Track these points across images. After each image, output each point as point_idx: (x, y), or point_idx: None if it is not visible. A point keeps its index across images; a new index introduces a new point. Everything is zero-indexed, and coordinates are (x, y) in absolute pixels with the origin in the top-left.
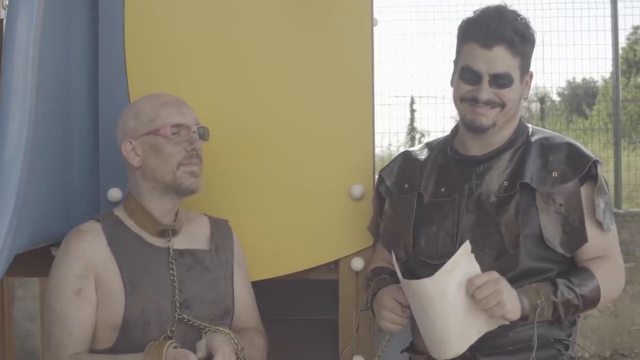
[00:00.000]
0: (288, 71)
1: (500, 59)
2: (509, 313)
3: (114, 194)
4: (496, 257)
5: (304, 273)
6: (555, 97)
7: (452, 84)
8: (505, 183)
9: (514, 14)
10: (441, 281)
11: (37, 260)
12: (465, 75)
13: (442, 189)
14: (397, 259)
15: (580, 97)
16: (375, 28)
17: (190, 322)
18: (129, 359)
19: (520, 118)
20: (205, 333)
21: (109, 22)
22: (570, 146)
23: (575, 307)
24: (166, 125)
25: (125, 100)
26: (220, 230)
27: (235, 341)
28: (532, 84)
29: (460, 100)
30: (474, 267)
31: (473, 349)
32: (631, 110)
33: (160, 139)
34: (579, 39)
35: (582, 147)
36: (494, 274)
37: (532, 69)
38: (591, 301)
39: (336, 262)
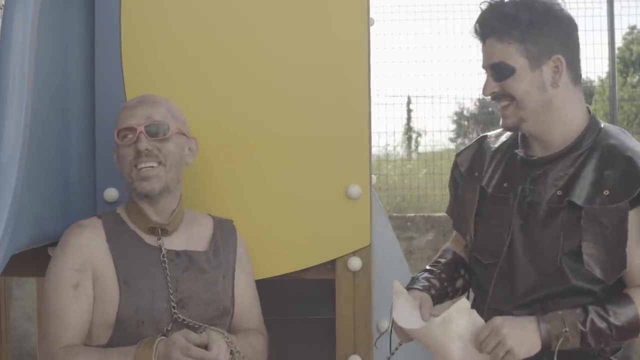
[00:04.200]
0: (285, 71)
1: (492, 50)
2: (522, 356)
3: (111, 193)
4: (536, 270)
5: (301, 273)
6: None
7: None
8: (559, 192)
9: (503, 3)
10: (429, 332)
11: (34, 260)
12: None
13: (505, 184)
14: (466, 246)
15: None
16: (371, 27)
17: (186, 322)
18: (120, 352)
19: (592, 115)
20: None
21: (106, 22)
22: (630, 162)
23: (608, 336)
24: (116, 132)
25: (121, 101)
26: (223, 230)
27: (229, 340)
28: None
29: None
30: (478, 321)
31: None
32: (628, 110)
33: (117, 144)
34: None
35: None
36: (496, 322)
37: None
38: (629, 331)
39: (333, 262)
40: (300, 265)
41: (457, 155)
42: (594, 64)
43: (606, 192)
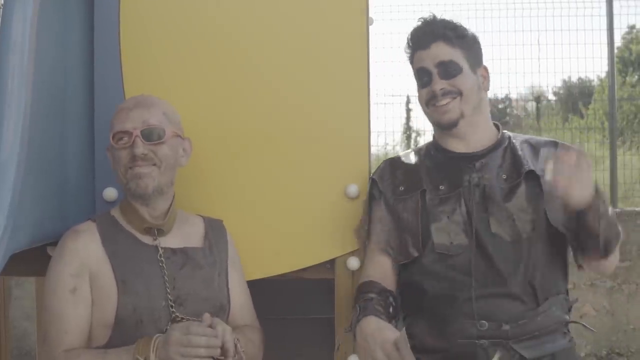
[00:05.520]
0: (284, 70)
1: (440, 51)
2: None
3: (110, 193)
4: (512, 242)
5: (300, 272)
6: (551, 97)
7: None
8: (504, 176)
9: (443, 19)
10: None
11: (34, 259)
12: (419, 78)
13: (441, 187)
14: (408, 257)
15: (575, 96)
16: (371, 27)
17: (184, 320)
18: (120, 352)
19: (498, 127)
20: None
21: (105, 21)
22: (556, 142)
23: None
24: (112, 134)
25: (120, 100)
26: (214, 229)
27: (230, 329)
28: (528, 83)
29: (426, 105)
30: None
31: (505, 337)
32: (627, 110)
33: (112, 146)
34: (575, 38)
35: (565, 142)
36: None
37: (527, 68)
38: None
39: (332, 262)
40: (299, 264)
41: (373, 174)
42: (593, 63)
43: None
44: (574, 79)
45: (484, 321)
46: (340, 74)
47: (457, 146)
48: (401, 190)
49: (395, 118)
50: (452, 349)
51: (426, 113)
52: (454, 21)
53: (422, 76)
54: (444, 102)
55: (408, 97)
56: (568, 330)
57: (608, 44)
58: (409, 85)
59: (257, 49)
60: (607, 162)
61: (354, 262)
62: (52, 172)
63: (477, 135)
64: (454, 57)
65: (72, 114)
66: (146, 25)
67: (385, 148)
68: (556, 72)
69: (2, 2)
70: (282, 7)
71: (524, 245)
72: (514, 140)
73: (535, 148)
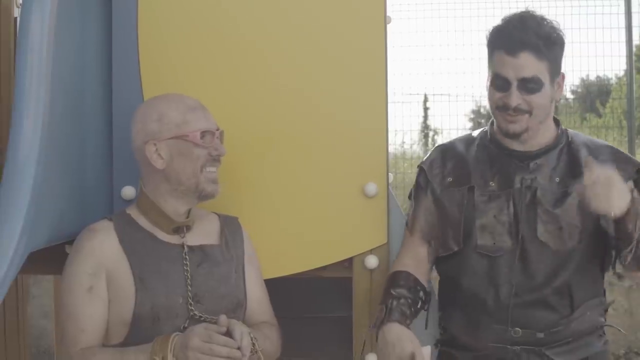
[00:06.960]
0: (302, 69)
1: (527, 64)
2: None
3: (128, 192)
4: (556, 250)
5: (318, 271)
6: (569, 95)
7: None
8: (557, 179)
9: (539, 20)
10: None
11: (52, 258)
12: (496, 82)
13: (492, 183)
14: (448, 250)
15: (593, 95)
16: (388, 26)
17: (203, 318)
18: (137, 349)
19: (558, 122)
20: None
21: (123, 21)
22: (613, 149)
23: None
24: (196, 131)
25: (138, 100)
26: (229, 226)
27: (248, 330)
28: None
29: (495, 107)
30: None
31: (538, 344)
32: None
33: (189, 143)
34: (593, 36)
35: (622, 151)
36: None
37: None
38: None
39: (350, 260)
40: (317, 263)
41: (422, 162)
42: (612, 62)
43: None
44: (592, 77)
45: (518, 328)
46: (358, 73)
47: (513, 143)
48: (449, 181)
49: (412, 117)
50: (484, 350)
51: (493, 113)
52: (548, 25)
53: (499, 80)
54: (513, 114)
55: (425, 95)
56: (604, 333)
57: (626, 42)
58: (427, 83)
59: (274, 48)
60: None
61: (372, 261)
62: (71, 171)
63: (536, 138)
64: (538, 72)
65: (90, 114)
66: (164, 25)
67: (403, 146)
68: (574, 70)
69: (21, 1)
70: (299, 6)
71: (568, 256)
72: (573, 139)
73: (593, 153)
